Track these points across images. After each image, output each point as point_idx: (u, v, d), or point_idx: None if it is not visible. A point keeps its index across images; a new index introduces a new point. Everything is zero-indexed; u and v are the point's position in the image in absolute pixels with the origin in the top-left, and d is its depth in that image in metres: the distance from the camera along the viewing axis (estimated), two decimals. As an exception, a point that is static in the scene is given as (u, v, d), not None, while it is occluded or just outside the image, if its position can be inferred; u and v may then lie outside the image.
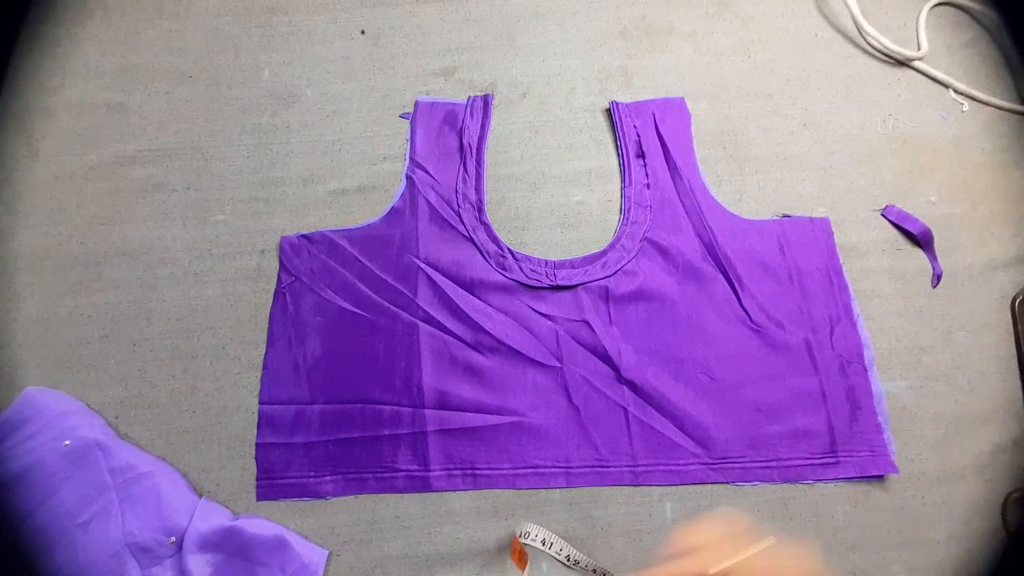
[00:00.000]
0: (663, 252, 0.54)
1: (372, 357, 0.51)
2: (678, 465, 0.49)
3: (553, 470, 0.49)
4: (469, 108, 0.60)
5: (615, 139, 0.59)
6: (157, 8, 0.64)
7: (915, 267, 0.55)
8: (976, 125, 0.60)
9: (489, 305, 0.53)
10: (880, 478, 0.48)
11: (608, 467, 0.49)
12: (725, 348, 0.52)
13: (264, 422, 0.50)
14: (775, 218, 0.56)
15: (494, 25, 0.64)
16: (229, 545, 0.45)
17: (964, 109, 0.61)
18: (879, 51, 0.63)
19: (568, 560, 0.45)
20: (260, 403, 0.50)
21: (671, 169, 0.57)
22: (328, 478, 0.48)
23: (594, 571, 0.45)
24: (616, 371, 0.51)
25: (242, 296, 0.53)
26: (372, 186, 0.57)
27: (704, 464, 0.49)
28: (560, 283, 0.53)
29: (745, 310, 0.53)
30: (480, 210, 0.56)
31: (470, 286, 0.53)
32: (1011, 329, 0.53)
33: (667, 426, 0.49)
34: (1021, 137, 0.59)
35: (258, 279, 0.54)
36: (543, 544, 0.45)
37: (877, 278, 0.54)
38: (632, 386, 0.50)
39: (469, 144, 0.58)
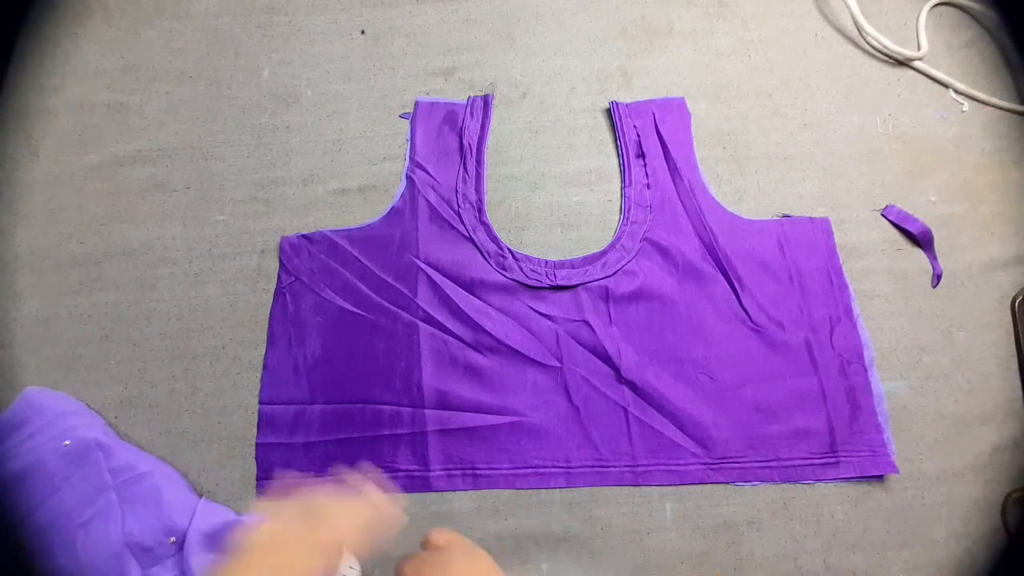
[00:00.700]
0: (663, 252, 0.54)
1: (372, 357, 0.51)
2: (678, 465, 0.49)
3: (553, 470, 0.49)
4: (469, 108, 0.60)
5: (615, 139, 0.59)
6: (157, 8, 0.64)
7: (915, 267, 0.55)
8: (976, 125, 0.60)
9: (489, 305, 0.53)
10: (880, 478, 0.48)
11: (608, 467, 0.49)
12: (725, 348, 0.52)
13: (264, 422, 0.50)
14: (775, 218, 0.56)
15: (494, 25, 0.64)
16: (230, 543, 0.45)
17: (964, 109, 0.61)
18: (879, 51, 0.63)
19: None
20: (260, 403, 0.50)
21: (671, 169, 0.57)
22: (328, 478, 0.48)
23: None
24: (616, 371, 0.51)
25: (242, 296, 0.53)
26: (372, 186, 0.57)
27: (704, 464, 0.49)
28: (560, 283, 0.53)
29: (745, 310, 0.53)
30: (480, 210, 0.56)
31: (470, 286, 0.53)
32: (1011, 329, 0.53)
33: (667, 426, 0.49)
34: (1021, 137, 0.59)
35: (258, 279, 0.54)
36: None
37: (877, 278, 0.54)
38: (632, 386, 0.50)
39: (469, 144, 0.58)
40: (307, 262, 0.54)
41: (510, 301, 0.53)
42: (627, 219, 0.55)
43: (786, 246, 0.55)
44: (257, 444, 0.49)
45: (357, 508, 0.38)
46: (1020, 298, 0.53)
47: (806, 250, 0.55)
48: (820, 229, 0.55)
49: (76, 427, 0.47)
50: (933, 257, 0.55)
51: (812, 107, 0.60)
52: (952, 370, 0.52)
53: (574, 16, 0.64)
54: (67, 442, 0.46)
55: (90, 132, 0.58)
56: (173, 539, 0.45)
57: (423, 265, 0.54)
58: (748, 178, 0.58)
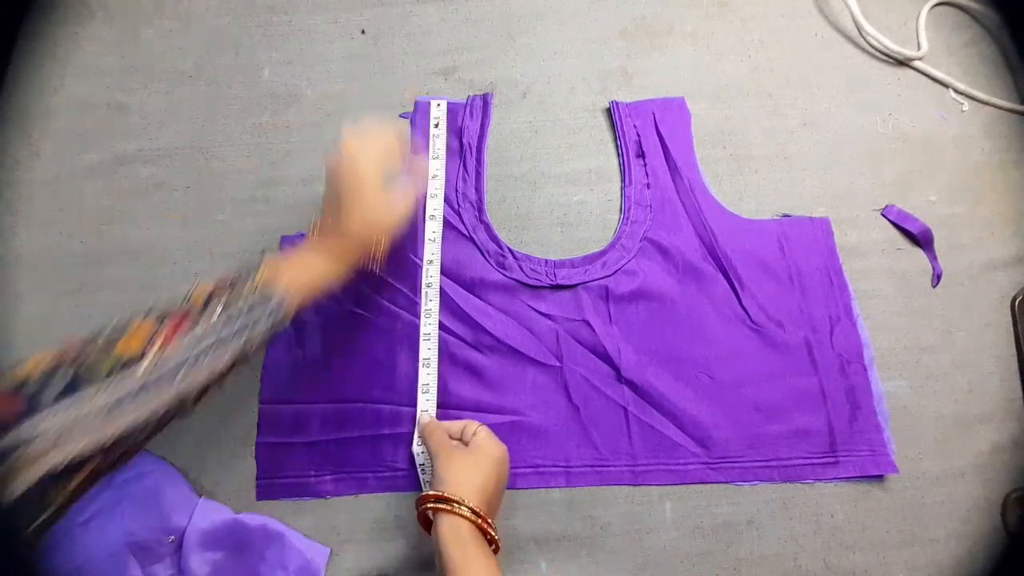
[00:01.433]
0: (663, 252, 0.54)
1: (372, 357, 0.51)
2: (678, 465, 0.49)
3: (553, 469, 0.49)
4: (469, 108, 0.60)
5: (615, 139, 0.59)
6: (157, 8, 0.64)
7: (915, 267, 0.55)
8: (976, 125, 0.60)
9: (489, 304, 0.53)
10: (880, 478, 0.48)
11: (608, 466, 0.49)
12: (725, 348, 0.52)
13: (264, 422, 0.50)
14: (775, 218, 0.56)
15: (494, 25, 0.64)
16: (230, 542, 0.45)
17: (964, 109, 0.61)
18: (879, 51, 0.63)
19: None
20: (260, 403, 0.50)
21: (671, 169, 0.57)
22: (328, 477, 0.48)
23: None
24: (616, 370, 0.51)
25: (242, 296, 0.53)
26: (372, 186, 0.57)
27: (704, 464, 0.49)
28: (560, 282, 0.53)
29: (745, 310, 0.53)
30: (480, 209, 0.56)
31: (470, 285, 0.53)
32: (1011, 329, 0.53)
33: (667, 426, 0.49)
34: (1021, 137, 0.59)
35: (258, 279, 0.54)
36: None
37: (877, 278, 0.54)
38: (632, 385, 0.50)
39: (469, 144, 0.58)
40: (307, 262, 0.54)
41: (510, 300, 0.53)
42: (627, 219, 0.55)
43: (786, 246, 0.55)
44: (257, 444, 0.49)
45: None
46: (1020, 298, 0.53)
47: (806, 250, 0.55)
48: (820, 229, 0.55)
49: (76, 427, 0.47)
50: (933, 257, 0.55)
51: (812, 107, 0.60)
52: (952, 370, 0.52)
53: (574, 16, 0.64)
54: (67, 442, 0.46)
55: (90, 132, 0.58)
56: (173, 538, 0.45)
57: (423, 265, 0.54)
58: (748, 178, 0.58)
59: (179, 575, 0.45)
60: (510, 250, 0.54)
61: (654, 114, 0.59)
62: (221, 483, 0.48)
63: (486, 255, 0.54)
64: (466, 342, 0.52)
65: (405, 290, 0.53)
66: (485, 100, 0.60)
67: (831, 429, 0.49)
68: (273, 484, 0.48)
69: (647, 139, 0.58)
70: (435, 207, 0.55)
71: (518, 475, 0.49)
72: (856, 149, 0.59)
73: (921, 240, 0.55)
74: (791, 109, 0.60)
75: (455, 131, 0.59)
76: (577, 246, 0.55)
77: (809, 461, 0.49)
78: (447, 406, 0.50)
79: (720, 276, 0.54)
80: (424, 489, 0.47)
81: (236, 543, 0.45)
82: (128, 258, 0.54)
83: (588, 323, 0.52)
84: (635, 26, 0.64)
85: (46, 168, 0.57)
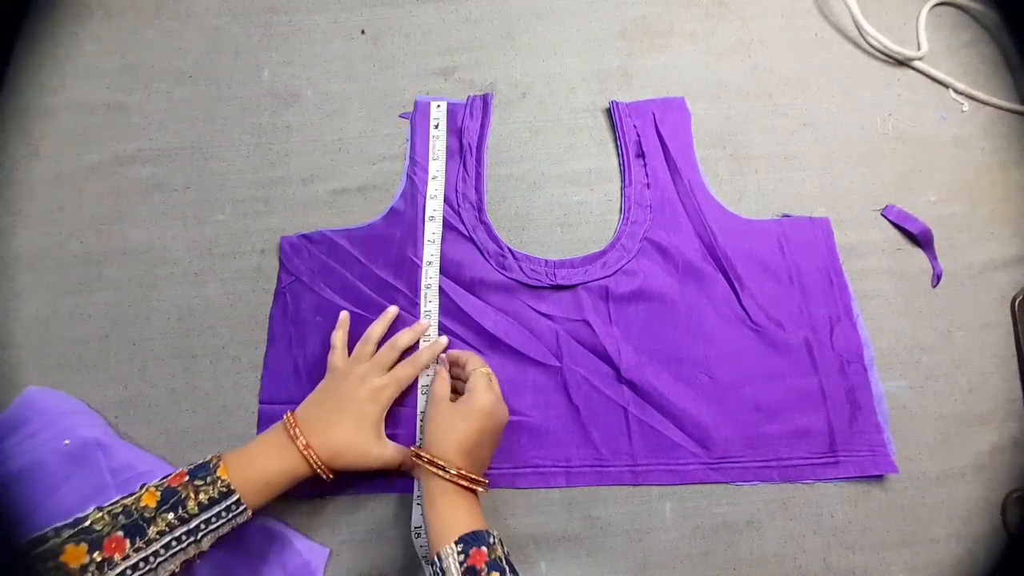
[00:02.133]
0: (663, 252, 0.54)
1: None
2: (678, 465, 0.49)
3: (553, 469, 0.49)
4: (469, 108, 0.60)
5: (615, 139, 0.59)
6: (157, 8, 0.64)
7: (915, 267, 0.55)
8: (976, 125, 0.60)
9: (489, 304, 0.53)
10: (880, 478, 0.48)
11: (608, 467, 0.49)
12: (725, 348, 0.52)
13: (264, 422, 0.50)
14: (775, 218, 0.56)
15: (494, 25, 0.64)
16: (229, 542, 0.45)
17: (964, 109, 0.61)
18: (879, 51, 0.63)
19: None
20: (260, 403, 0.50)
21: (671, 169, 0.57)
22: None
23: None
24: (616, 371, 0.51)
25: (242, 296, 0.53)
26: (372, 186, 0.57)
27: (704, 464, 0.49)
28: (560, 283, 0.53)
29: (745, 310, 0.53)
30: (480, 210, 0.56)
31: (470, 286, 0.53)
32: (1011, 329, 0.53)
33: (667, 426, 0.49)
34: (1021, 137, 0.59)
35: (258, 279, 0.54)
36: None
37: (877, 278, 0.54)
38: (632, 386, 0.50)
39: (469, 144, 0.58)
40: (307, 262, 0.54)
41: (510, 300, 0.53)
42: (627, 219, 0.55)
43: (786, 246, 0.55)
44: (257, 444, 0.49)
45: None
46: (1020, 298, 0.53)
47: (806, 250, 0.55)
48: (820, 229, 0.55)
49: (76, 427, 0.47)
50: (933, 257, 0.55)
51: (812, 107, 0.60)
52: (952, 370, 0.52)
53: (574, 16, 0.64)
54: (67, 441, 0.46)
55: (90, 132, 0.58)
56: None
57: (423, 266, 0.54)
58: (748, 178, 0.58)
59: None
60: (510, 250, 0.54)
61: (654, 114, 0.59)
62: (221, 483, 0.48)
63: (486, 255, 0.54)
64: (466, 342, 0.52)
65: (405, 290, 0.53)
66: (485, 100, 0.60)
67: (831, 429, 0.49)
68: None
69: (647, 139, 0.58)
70: (435, 208, 0.55)
71: (518, 475, 0.49)
72: (856, 149, 0.59)
73: (921, 240, 0.55)
74: (791, 109, 0.60)
75: (455, 131, 0.59)
76: (577, 246, 0.55)
77: (809, 461, 0.49)
78: (447, 406, 0.50)
79: (720, 276, 0.54)
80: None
81: (236, 544, 0.45)
82: (128, 258, 0.54)
83: (588, 323, 0.52)
84: (635, 26, 0.64)
85: (46, 168, 0.57)
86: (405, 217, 0.55)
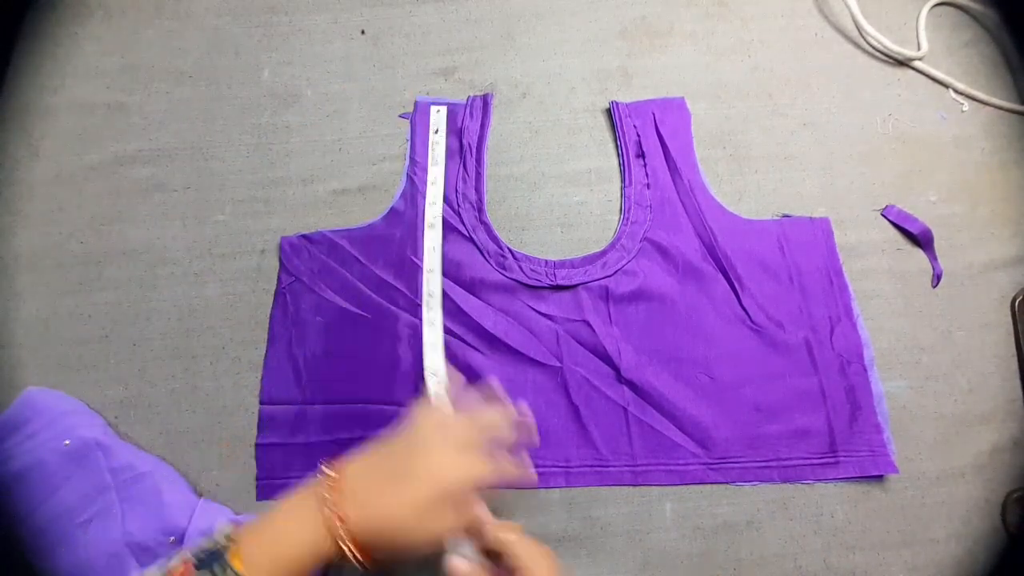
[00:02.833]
0: (663, 252, 0.54)
1: (372, 357, 0.51)
2: (678, 465, 0.49)
3: (553, 470, 0.49)
4: (469, 108, 0.60)
5: (615, 139, 0.59)
6: (157, 8, 0.64)
7: (915, 267, 0.55)
8: (976, 125, 0.60)
9: (489, 305, 0.53)
10: (880, 478, 0.48)
11: (608, 467, 0.49)
12: (725, 348, 0.52)
13: (264, 422, 0.50)
14: (775, 218, 0.56)
15: (494, 25, 0.64)
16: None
17: (964, 109, 0.61)
18: (879, 51, 0.63)
19: None
20: (260, 403, 0.50)
21: (671, 169, 0.57)
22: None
23: None
24: (616, 371, 0.51)
25: (242, 296, 0.53)
26: (372, 186, 0.57)
27: (704, 464, 0.49)
28: (560, 283, 0.53)
29: (745, 310, 0.53)
30: (480, 210, 0.56)
31: (470, 286, 0.53)
32: (1011, 329, 0.53)
33: (667, 426, 0.49)
34: (1021, 137, 0.59)
35: (258, 279, 0.54)
36: None
37: (877, 278, 0.54)
38: (632, 386, 0.50)
39: (469, 144, 0.58)
40: (307, 262, 0.54)
41: (510, 301, 0.53)
42: (627, 219, 0.55)
43: (786, 246, 0.55)
44: (257, 444, 0.49)
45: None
46: (1020, 298, 0.53)
47: (806, 250, 0.55)
48: (820, 229, 0.55)
49: (76, 427, 0.47)
50: (933, 257, 0.55)
51: (812, 107, 0.60)
52: (952, 370, 0.52)
53: (574, 16, 0.64)
54: (67, 442, 0.46)
55: (90, 132, 0.58)
56: (173, 539, 0.45)
57: (423, 274, 0.53)
58: (748, 178, 0.58)
59: None
60: (510, 250, 0.54)
61: (654, 114, 0.59)
62: (221, 483, 0.48)
63: (486, 255, 0.54)
64: (466, 342, 0.52)
65: (405, 290, 0.53)
66: (485, 100, 0.60)
67: (831, 429, 0.49)
68: (273, 484, 0.48)
69: (647, 139, 0.58)
70: (434, 215, 0.55)
71: (518, 475, 0.49)
72: (856, 149, 0.59)
73: (921, 240, 0.55)
74: (791, 109, 0.60)
75: (455, 131, 0.59)
76: (577, 246, 0.55)
77: (809, 461, 0.49)
78: (447, 406, 0.50)
79: (720, 276, 0.54)
80: None
81: (236, 543, 0.45)
82: (128, 258, 0.54)
83: (588, 323, 0.52)
84: (635, 26, 0.64)
85: (46, 168, 0.57)
86: (405, 217, 0.55)
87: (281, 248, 0.55)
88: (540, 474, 0.49)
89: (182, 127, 0.59)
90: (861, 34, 0.63)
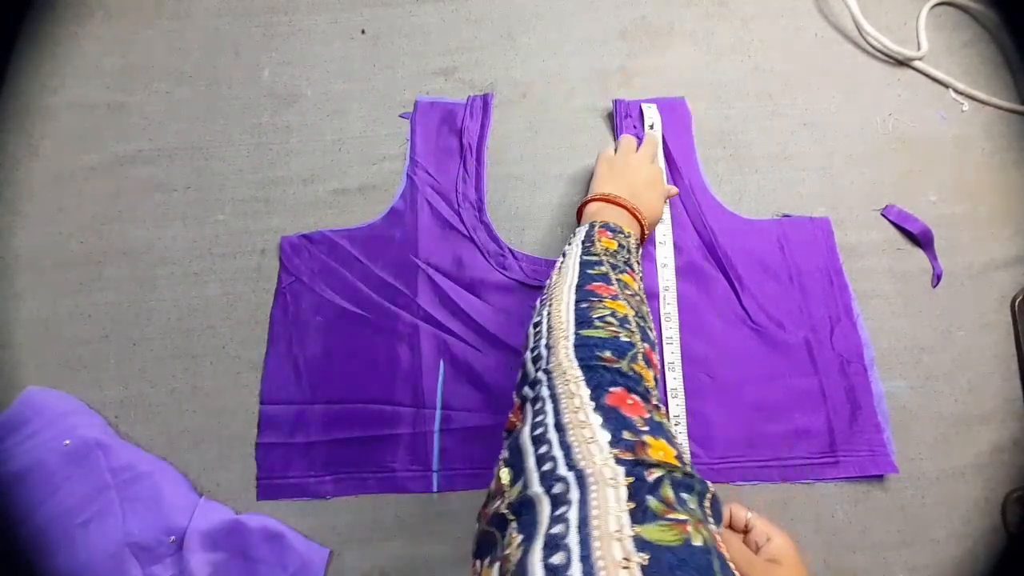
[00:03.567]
0: (663, 252, 0.54)
1: (372, 357, 0.51)
2: (678, 465, 0.48)
3: (553, 470, 0.49)
4: (469, 108, 0.60)
5: (615, 139, 0.59)
6: (157, 8, 0.64)
7: (915, 267, 0.55)
8: (976, 125, 0.60)
9: (489, 304, 0.53)
10: (880, 478, 0.48)
11: None
12: (725, 347, 0.52)
13: (264, 422, 0.50)
14: (775, 218, 0.56)
15: (494, 25, 0.64)
16: (230, 543, 0.45)
17: (964, 109, 0.61)
18: (879, 51, 0.63)
19: None
20: (260, 403, 0.50)
21: (671, 169, 0.57)
22: (328, 478, 0.48)
23: None
24: (616, 371, 0.51)
25: (242, 296, 0.53)
26: (372, 186, 0.57)
27: (704, 464, 0.49)
28: (560, 283, 0.53)
29: (745, 310, 0.53)
30: (480, 209, 0.56)
31: (470, 285, 0.53)
32: (1011, 329, 0.53)
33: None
34: (1021, 137, 0.59)
35: (258, 279, 0.54)
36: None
37: (877, 278, 0.54)
38: (632, 386, 0.50)
39: (469, 144, 0.58)
40: (307, 262, 0.54)
41: (510, 300, 0.53)
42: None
43: (786, 246, 0.55)
44: (257, 444, 0.49)
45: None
46: (1020, 298, 0.53)
47: (806, 250, 0.55)
48: (820, 229, 0.55)
49: (76, 427, 0.47)
50: (933, 257, 0.55)
51: (812, 107, 0.60)
52: (952, 370, 0.52)
53: (574, 16, 0.64)
54: (67, 442, 0.46)
55: (90, 132, 0.58)
56: (173, 538, 0.45)
57: (423, 265, 0.54)
58: (748, 178, 0.58)
59: None
60: (510, 250, 0.54)
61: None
62: (221, 483, 0.48)
63: (486, 255, 0.54)
64: (466, 342, 0.52)
65: (405, 290, 0.53)
66: (485, 100, 0.60)
67: (831, 429, 0.49)
68: (273, 484, 0.48)
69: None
70: (664, 232, 0.55)
71: (518, 475, 0.49)
72: (856, 149, 0.59)
73: (921, 240, 0.55)
74: (791, 109, 0.60)
75: (455, 131, 0.59)
76: (577, 246, 0.55)
77: (809, 461, 0.49)
78: (447, 406, 0.50)
79: (720, 276, 0.54)
80: None
81: (236, 544, 0.45)
82: (128, 258, 0.54)
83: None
84: (635, 26, 0.64)
85: (46, 168, 0.57)
86: (405, 217, 0.55)
87: (281, 248, 0.55)
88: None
89: (182, 127, 0.59)
90: (861, 34, 0.63)
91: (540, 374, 0.32)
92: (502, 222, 0.56)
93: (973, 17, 0.65)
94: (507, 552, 0.23)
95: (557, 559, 0.21)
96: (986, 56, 0.63)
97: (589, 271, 0.39)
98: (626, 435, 0.26)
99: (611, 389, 0.29)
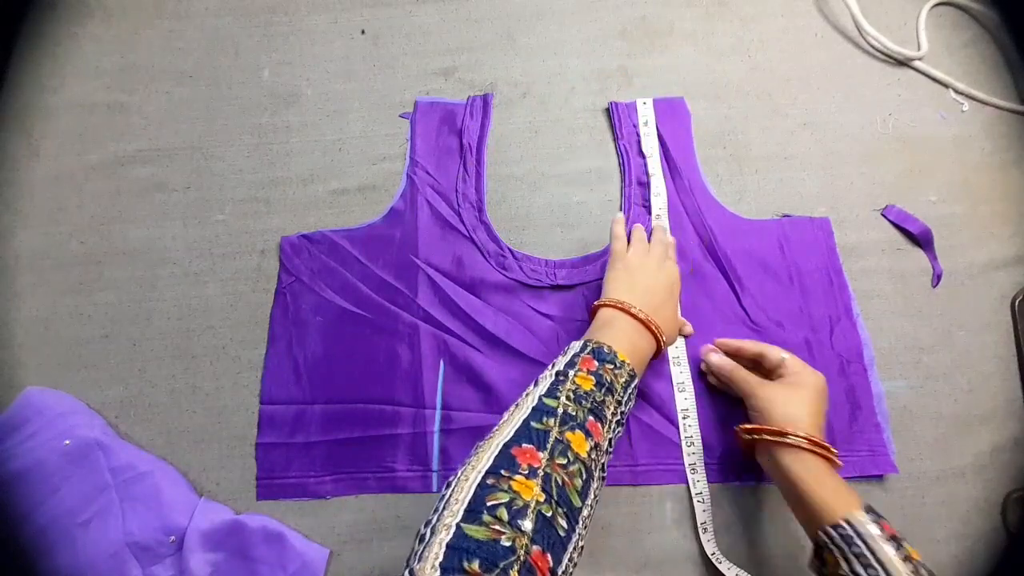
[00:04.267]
0: (663, 252, 0.54)
1: (372, 357, 0.51)
2: (678, 465, 0.49)
3: (553, 470, 0.49)
4: (469, 108, 0.60)
5: (615, 139, 0.59)
6: (157, 8, 0.64)
7: (915, 267, 0.55)
8: (976, 125, 0.60)
9: (489, 304, 0.53)
10: (880, 478, 0.48)
11: (608, 466, 0.49)
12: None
13: (264, 422, 0.50)
14: (775, 218, 0.56)
15: (494, 25, 0.64)
16: (230, 543, 0.45)
17: (964, 109, 0.61)
18: (879, 51, 0.63)
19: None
20: (260, 403, 0.50)
21: (671, 169, 0.57)
22: (328, 478, 0.48)
23: None
24: (616, 371, 0.51)
25: (242, 296, 0.53)
26: (372, 186, 0.57)
27: (704, 464, 0.49)
28: (560, 283, 0.53)
29: (745, 310, 0.53)
30: (480, 210, 0.56)
31: (470, 286, 0.53)
32: (1011, 329, 0.53)
33: (666, 426, 0.49)
34: (1021, 137, 0.59)
35: (258, 279, 0.54)
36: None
37: (877, 278, 0.54)
38: (632, 386, 0.50)
39: (469, 144, 0.58)
40: (307, 262, 0.54)
41: (510, 300, 0.53)
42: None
43: (786, 246, 0.55)
44: (257, 444, 0.49)
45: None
46: (1020, 298, 0.53)
47: (806, 250, 0.55)
48: (820, 229, 0.55)
49: (76, 427, 0.47)
50: (933, 257, 0.55)
51: (812, 107, 0.60)
52: (952, 370, 0.52)
53: (574, 16, 0.64)
54: (67, 442, 0.46)
55: (90, 132, 0.58)
56: (173, 538, 0.45)
57: (423, 265, 0.54)
58: (748, 178, 0.58)
59: None
60: (510, 250, 0.54)
61: (654, 114, 0.59)
62: (221, 483, 0.48)
63: (486, 255, 0.54)
64: (466, 342, 0.52)
65: (405, 290, 0.53)
66: (485, 100, 0.60)
67: (831, 429, 0.49)
68: (273, 484, 0.48)
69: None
70: (659, 207, 0.55)
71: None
72: (856, 149, 0.59)
73: (921, 240, 0.55)
74: (791, 109, 0.60)
75: (455, 131, 0.59)
76: (577, 246, 0.55)
77: (809, 461, 0.49)
78: (448, 406, 0.50)
79: (720, 276, 0.54)
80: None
81: (236, 544, 0.45)
82: (128, 258, 0.54)
83: (588, 323, 0.52)
84: (635, 26, 0.64)
85: (46, 168, 0.57)
86: (405, 217, 0.55)
87: (281, 248, 0.55)
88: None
89: (182, 127, 0.59)
90: (861, 34, 0.63)
91: (406, 573, 0.29)
92: (502, 222, 0.56)
93: (973, 17, 0.65)
94: None
95: None
96: (986, 56, 0.63)
97: (533, 422, 0.35)
98: None
99: None
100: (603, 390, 0.39)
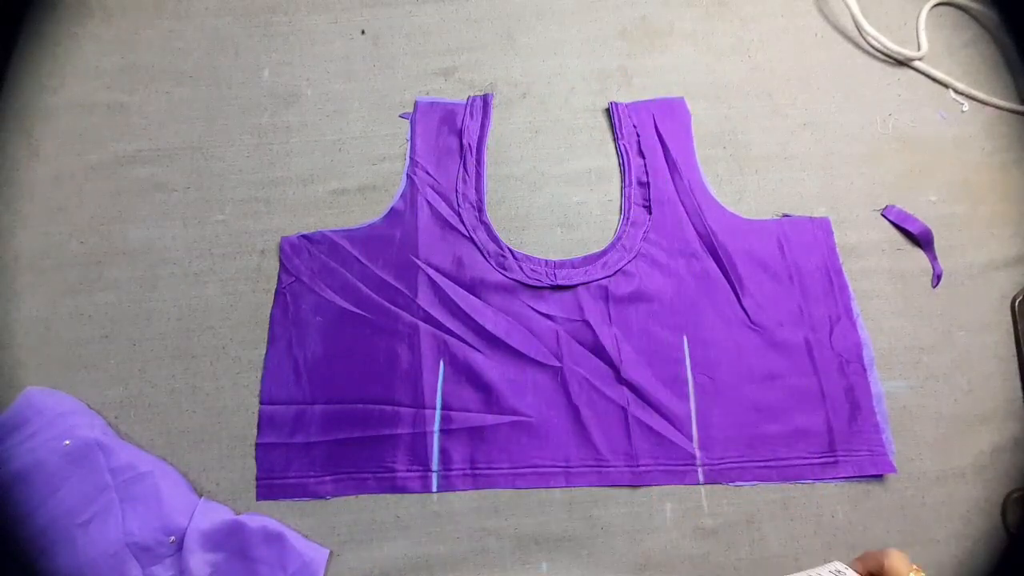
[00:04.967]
0: (663, 252, 0.54)
1: (372, 357, 0.51)
2: (678, 465, 0.49)
3: (553, 470, 0.49)
4: (469, 108, 0.60)
5: (615, 139, 0.59)
6: (157, 8, 0.64)
7: (915, 267, 0.55)
8: (976, 125, 0.60)
9: (489, 305, 0.53)
10: (880, 478, 0.48)
11: (608, 467, 0.49)
12: (725, 348, 0.52)
13: (264, 422, 0.50)
14: (775, 218, 0.56)
15: (494, 25, 0.64)
16: (230, 543, 0.45)
17: (964, 109, 0.61)
18: (879, 51, 0.63)
19: None
20: (260, 403, 0.50)
21: (671, 169, 0.57)
22: (328, 478, 0.48)
23: None
24: (616, 371, 0.51)
25: (242, 296, 0.53)
26: (372, 186, 0.57)
27: (704, 464, 0.49)
28: (560, 283, 0.53)
29: (745, 310, 0.53)
30: (480, 210, 0.56)
31: (470, 286, 0.53)
32: (1011, 329, 0.53)
33: (666, 426, 0.49)
34: (1021, 137, 0.59)
35: (258, 279, 0.54)
36: None
37: (877, 278, 0.54)
38: (632, 386, 0.50)
39: (469, 144, 0.58)
40: (307, 262, 0.54)
41: (510, 301, 0.53)
42: (627, 219, 0.55)
43: (786, 246, 0.55)
44: (257, 444, 0.49)
45: None
46: (1020, 298, 0.53)
47: (806, 250, 0.55)
48: (820, 229, 0.55)
49: (76, 427, 0.47)
50: (933, 257, 0.55)
51: (812, 107, 0.60)
52: (952, 370, 0.52)
53: (574, 16, 0.64)
54: (67, 442, 0.46)
55: (90, 132, 0.58)
56: (173, 539, 0.45)
57: (423, 265, 0.54)
58: (748, 178, 0.58)
59: None
60: (510, 250, 0.54)
61: (654, 114, 0.59)
62: (221, 483, 0.48)
63: (486, 255, 0.54)
64: (466, 343, 0.52)
65: (405, 290, 0.53)
66: (485, 100, 0.60)
67: (830, 429, 0.49)
68: (273, 484, 0.48)
69: (647, 139, 0.58)
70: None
71: (518, 475, 0.49)
72: (856, 149, 0.59)
73: (921, 240, 0.55)
74: (791, 109, 0.60)
75: (455, 131, 0.59)
76: (577, 246, 0.55)
77: (808, 461, 0.49)
78: (447, 407, 0.50)
79: (720, 276, 0.54)
80: None
81: (236, 544, 0.45)
82: (128, 258, 0.54)
83: (588, 323, 0.52)
84: (635, 26, 0.64)
85: (46, 168, 0.57)
86: (405, 217, 0.55)
87: (281, 248, 0.55)
88: (540, 474, 0.49)
89: (182, 127, 0.59)
90: (861, 34, 0.63)
91: None
92: (502, 222, 0.56)
93: (973, 17, 0.65)
94: None
95: None
96: (986, 56, 0.63)
97: None
98: None
99: None
100: None
